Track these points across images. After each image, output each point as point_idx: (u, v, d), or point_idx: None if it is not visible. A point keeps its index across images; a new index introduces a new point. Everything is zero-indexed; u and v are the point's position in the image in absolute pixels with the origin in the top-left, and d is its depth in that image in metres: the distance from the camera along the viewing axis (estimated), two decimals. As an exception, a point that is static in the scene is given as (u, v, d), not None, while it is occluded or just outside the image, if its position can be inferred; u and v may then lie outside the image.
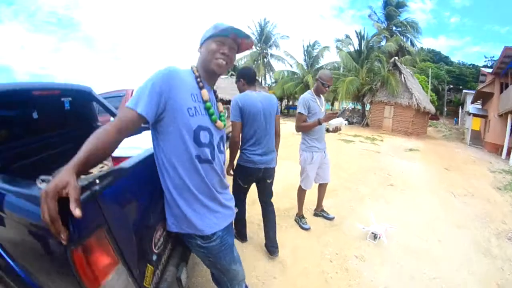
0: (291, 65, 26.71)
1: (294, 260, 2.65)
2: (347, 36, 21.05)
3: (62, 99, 2.57)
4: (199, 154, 1.11)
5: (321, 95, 2.96)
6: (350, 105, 23.91)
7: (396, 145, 11.57)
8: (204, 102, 1.15)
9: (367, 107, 20.34)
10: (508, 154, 11.05)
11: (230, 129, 2.32)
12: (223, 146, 1.28)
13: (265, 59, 28.54)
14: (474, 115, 17.44)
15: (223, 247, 1.23)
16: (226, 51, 1.14)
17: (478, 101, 18.95)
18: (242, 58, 28.98)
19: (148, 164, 1.16)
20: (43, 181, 0.78)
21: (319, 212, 3.56)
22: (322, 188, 3.39)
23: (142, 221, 1.12)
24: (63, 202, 0.68)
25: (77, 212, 0.66)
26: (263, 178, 2.48)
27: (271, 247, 2.62)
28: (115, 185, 0.92)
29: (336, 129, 2.71)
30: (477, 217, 4.31)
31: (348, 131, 15.39)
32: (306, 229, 3.17)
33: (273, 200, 2.78)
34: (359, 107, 22.29)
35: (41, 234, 0.83)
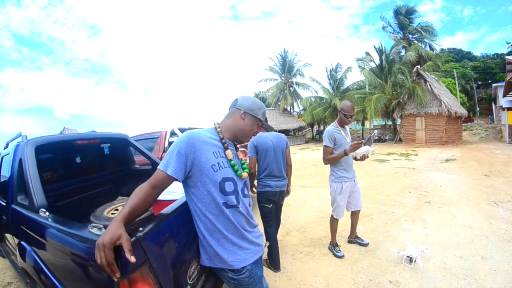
0: (316, 91, 28.03)
1: None
2: (367, 54, 21.92)
3: (102, 145, 3.01)
4: (226, 201, 1.30)
5: (346, 127, 3.16)
6: (376, 132, 23.67)
7: (432, 158, 11.45)
8: (229, 160, 1.36)
9: (398, 121, 20.61)
10: None
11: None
12: (247, 190, 1.49)
13: (291, 88, 29.89)
14: (509, 108, 16.59)
15: (252, 279, 1.37)
16: (256, 131, 1.47)
17: (510, 93, 17.42)
18: (269, 90, 30.70)
19: (184, 209, 1.41)
20: (94, 227, 1.12)
21: (353, 239, 3.62)
22: (354, 215, 3.48)
23: (179, 257, 1.35)
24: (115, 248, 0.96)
25: (132, 259, 0.93)
26: (279, 200, 3.04)
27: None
28: (157, 230, 1.20)
29: (364, 157, 2.85)
30: (525, 226, 4.14)
31: (381, 149, 15.31)
32: (340, 257, 3.25)
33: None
34: (390, 123, 22.45)
35: (90, 267, 1.14)
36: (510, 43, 34.39)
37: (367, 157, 2.94)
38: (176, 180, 1.22)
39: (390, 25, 26.24)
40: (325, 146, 3.02)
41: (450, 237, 3.92)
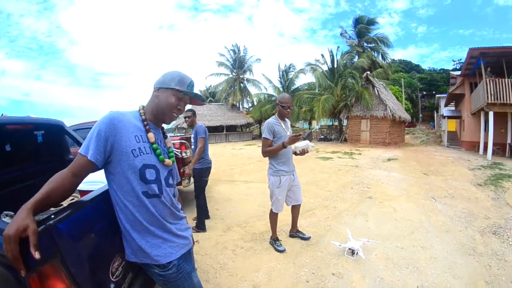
0: (266, 89, 30.00)
1: (269, 283, 2.78)
2: (322, 56, 24.13)
3: (35, 132, 2.96)
4: (147, 190, 1.32)
5: (286, 119, 3.37)
6: (315, 127, 26.36)
7: (374, 157, 12.65)
8: (151, 144, 1.36)
9: (344, 122, 23.04)
10: (485, 150, 12.60)
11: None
12: (173, 179, 1.50)
13: (241, 84, 31.79)
14: (449, 117, 20.47)
15: (180, 274, 1.40)
16: (182, 107, 1.42)
17: (451, 104, 21.93)
18: (218, 85, 32.42)
19: (107, 197, 1.38)
20: (6, 215, 1.06)
21: (295, 233, 3.82)
22: (295, 209, 3.67)
23: (98, 251, 1.33)
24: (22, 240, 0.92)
25: (36, 255, 0.90)
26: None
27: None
28: (70, 219, 1.17)
29: (303, 152, 3.01)
30: (460, 218, 4.65)
31: (326, 148, 16.75)
32: (281, 251, 3.39)
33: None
34: (336, 123, 24.95)
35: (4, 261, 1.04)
36: (456, 61, 43.27)
37: (307, 151, 3.14)
38: (96, 165, 1.21)
39: (347, 32, 30.07)
40: (264, 138, 3.17)
41: (391, 229, 4.19)
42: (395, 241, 3.73)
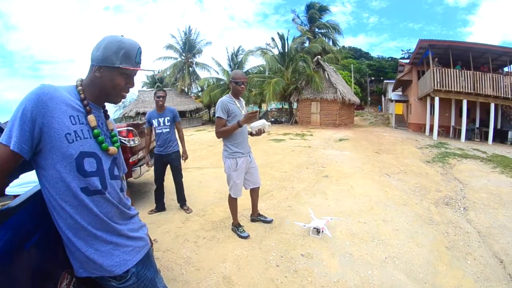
0: (217, 72, 29.75)
1: (238, 273, 2.74)
2: (272, 39, 24.91)
3: None
4: (86, 186, 1.13)
5: (241, 98, 3.34)
6: (273, 106, 27.05)
7: (326, 138, 13.29)
8: (91, 128, 1.18)
9: (294, 105, 24.03)
10: (431, 131, 14.33)
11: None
12: (118, 170, 1.33)
13: (190, 68, 31.54)
14: (396, 101, 22.62)
15: (142, 283, 1.26)
16: (132, 83, 1.26)
17: (399, 89, 24.14)
18: (167, 69, 31.60)
19: (39, 201, 1.16)
20: None
21: (256, 217, 3.84)
22: (254, 192, 3.68)
23: (38, 272, 1.13)
24: None
25: None
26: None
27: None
28: None
29: (260, 132, 2.98)
30: (414, 192, 5.05)
31: (277, 130, 17.23)
32: (245, 237, 3.37)
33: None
34: (287, 106, 25.92)
35: None
36: (404, 51, 47.61)
37: (263, 132, 3.14)
38: (21, 156, 1.01)
39: (299, 18, 31.22)
40: (218, 118, 3.10)
41: (351, 206, 4.37)
42: (357, 217, 3.90)
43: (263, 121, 3.08)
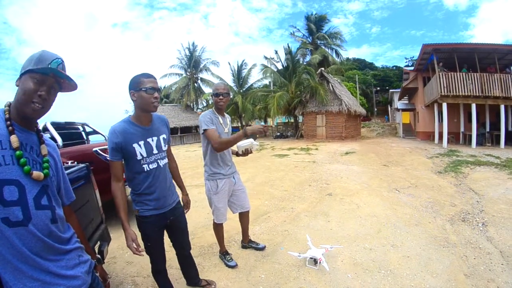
0: None
1: None
2: (276, 52, 25.43)
3: None
4: (7, 216, 1.09)
5: (226, 115, 3.18)
6: (262, 124, 28.01)
7: (332, 151, 13.13)
8: (14, 151, 1.14)
9: (300, 119, 24.44)
10: (440, 139, 14.16)
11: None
12: (50, 199, 1.24)
13: (195, 84, 33.05)
14: (403, 110, 22.80)
15: None
16: (44, 93, 1.17)
17: (405, 97, 24.37)
18: (173, 85, 33.36)
19: None
20: None
21: (247, 243, 3.63)
22: (243, 217, 3.47)
23: None
24: None
25: None
26: None
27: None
28: None
29: (247, 152, 2.84)
30: (427, 208, 4.69)
31: (282, 145, 17.15)
32: (232, 267, 3.19)
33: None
34: (292, 120, 26.40)
35: None
36: (408, 58, 48.99)
37: (251, 152, 2.92)
38: None
39: (300, 31, 32.46)
40: (207, 130, 2.84)
41: (356, 229, 4.03)
42: (362, 242, 3.57)
43: (250, 140, 2.82)
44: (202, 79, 33.37)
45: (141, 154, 2.00)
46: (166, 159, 2.22)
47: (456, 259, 3.05)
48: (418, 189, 5.96)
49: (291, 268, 3.06)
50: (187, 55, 33.36)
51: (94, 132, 6.57)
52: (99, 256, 1.58)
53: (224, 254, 3.33)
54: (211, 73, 32.09)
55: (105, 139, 6.10)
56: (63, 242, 1.26)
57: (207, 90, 32.91)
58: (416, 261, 3.06)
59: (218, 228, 3.25)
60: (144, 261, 3.17)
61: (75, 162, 3.39)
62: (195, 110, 34.34)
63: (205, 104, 35.11)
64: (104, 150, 4.30)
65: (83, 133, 6.49)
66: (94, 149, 4.32)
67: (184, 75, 33.30)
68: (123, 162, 2.04)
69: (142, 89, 1.92)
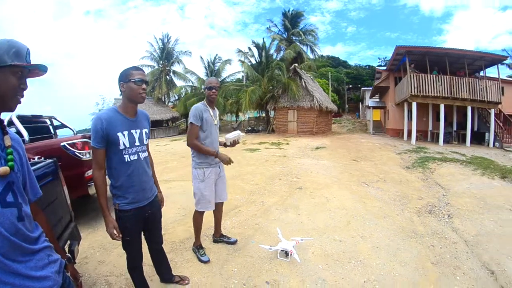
0: (192, 82, 30.87)
1: None
2: (249, 49, 25.86)
3: None
4: None
5: (215, 108, 3.38)
6: (256, 115, 28.26)
7: (302, 146, 13.35)
8: None
9: (271, 114, 24.68)
10: (409, 136, 14.89)
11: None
12: (15, 196, 1.20)
13: (167, 77, 32.74)
14: (374, 107, 23.71)
15: None
16: (25, 85, 1.20)
17: (376, 95, 25.31)
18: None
19: None
20: None
21: (219, 237, 3.68)
22: (218, 209, 3.51)
23: None
24: None
25: None
26: None
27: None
28: None
29: (234, 143, 3.02)
30: (395, 201, 4.89)
31: (253, 139, 17.22)
32: (205, 262, 3.23)
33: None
34: (263, 115, 26.86)
35: None
36: (381, 58, 52.04)
37: (238, 142, 3.27)
38: None
39: (276, 26, 32.58)
40: (192, 124, 3.12)
41: (326, 221, 4.13)
42: (332, 234, 3.65)
43: (238, 132, 3.23)
44: (174, 72, 33.07)
45: (124, 144, 2.04)
46: (147, 153, 2.26)
47: (423, 248, 3.20)
48: (386, 183, 6.18)
49: (263, 261, 3.11)
50: (160, 46, 33.03)
51: (63, 126, 6.30)
52: (69, 255, 1.54)
53: (198, 247, 3.36)
54: (184, 66, 32.02)
55: (74, 133, 5.92)
56: (31, 241, 1.22)
57: (179, 83, 32.64)
58: (385, 251, 3.17)
59: (198, 219, 3.30)
60: (116, 260, 3.17)
61: (42, 158, 3.26)
62: (166, 103, 33.98)
63: (176, 97, 34.83)
64: (72, 145, 4.15)
65: (50, 127, 6.19)
66: (62, 143, 4.14)
67: (156, 67, 32.91)
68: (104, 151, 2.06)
69: (131, 80, 2.03)
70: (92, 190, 4.08)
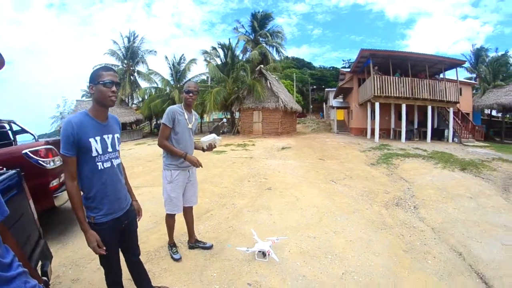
0: (156, 83, 30.33)
1: None
2: (214, 48, 25.98)
3: None
4: None
5: (193, 112, 3.43)
6: (224, 120, 28.61)
7: (268, 147, 13.46)
8: None
9: (237, 115, 25.03)
10: (372, 134, 15.86)
11: None
12: None
13: (131, 77, 32.00)
14: (338, 107, 24.68)
15: None
16: None
17: (340, 96, 26.36)
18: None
19: None
20: None
21: (194, 243, 3.64)
22: (187, 213, 3.51)
23: None
24: None
25: None
26: None
27: None
28: None
29: (211, 147, 2.98)
30: (363, 196, 5.12)
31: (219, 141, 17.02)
32: (176, 260, 3.31)
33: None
34: (229, 116, 26.88)
35: None
36: (345, 60, 54.58)
37: (215, 146, 3.28)
38: None
39: (243, 27, 32.87)
40: (163, 125, 3.15)
41: (298, 219, 4.22)
42: (305, 231, 3.75)
43: (213, 135, 3.22)
44: (139, 72, 32.21)
45: (96, 151, 1.91)
46: (120, 159, 2.17)
47: (394, 238, 3.40)
48: (353, 180, 6.42)
49: (241, 264, 3.13)
50: (126, 45, 31.90)
51: (23, 131, 5.77)
52: (45, 278, 1.45)
53: (171, 245, 3.43)
54: (147, 67, 31.35)
55: (35, 138, 5.47)
56: (4, 268, 1.10)
57: (144, 84, 31.90)
58: (359, 244, 3.32)
59: (169, 221, 3.35)
60: (91, 277, 3.03)
61: (4, 168, 2.95)
62: (130, 105, 32.90)
63: (140, 99, 33.59)
64: (35, 152, 3.85)
65: (9, 132, 5.66)
66: (23, 151, 3.82)
67: (121, 66, 31.78)
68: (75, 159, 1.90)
69: (100, 82, 1.90)
70: (58, 202, 3.86)
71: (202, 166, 3.16)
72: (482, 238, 3.46)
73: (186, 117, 3.23)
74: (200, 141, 3.22)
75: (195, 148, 3.37)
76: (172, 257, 3.36)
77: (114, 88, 1.94)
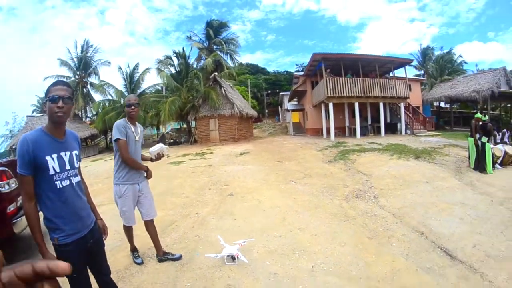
0: (110, 95, 28.85)
1: None
2: (168, 57, 25.74)
3: None
4: None
5: (138, 124, 3.47)
6: (169, 129, 27.30)
7: (227, 154, 13.54)
8: None
9: (193, 124, 24.85)
10: (327, 134, 16.45)
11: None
12: None
13: (84, 89, 30.44)
14: (293, 110, 25.51)
15: None
16: None
17: (294, 99, 27.32)
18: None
19: None
20: None
21: (162, 256, 3.62)
22: (148, 226, 3.52)
23: None
24: None
25: None
26: None
27: None
28: None
29: (159, 156, 2.95)
30: (323, 193, 5.29)
31: (177, 151, 16.92)
32: (138, 264, 3.46)
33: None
34: (185, 126, 26.87)
35: None
36: (298, 64, 56.26)
37: (163, 155, 3.40)
38: None
39: (197, 35, 32.62)
40: (118, 140, 3.16)
41: (262, 221, 4.28)
42: (271, 232, 3.81)
43: (160, 145, 3.32)
44: (92, 84, 30.89)
45: (54, 169, 1.84)
46: (79, 177, 2.11)
47: (357, 228, 3.55)
48: (312, 178, 6.62)
49: (213, 270, 3.17)
50: (78, 55, 30.34)
51: None
52: None
53: (132, 251, 3.63)
54: (98, 78, 30.36)
55: None
56: None
57: (97, 97, 30.51)
58: (324, 237, 3.42)
59: (127, 231, 3.53)
60: None
61: None
62: (84, 119, 31.48)
63: (94, 113, 32.01)
64: None
65: None
66: None
67: (73, 78, 30.16)
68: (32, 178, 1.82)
69: (48, 99, 1.86)
70: (17, 229, 3.64)
71: (150, 176, 3.34)
72: (440, 216, 3.78)
73: (133, 130, 3.31)
74: (149, 152, 3.34)
75: (143, 160, 3.44)
76: (134, 262, 3.51)
77: (60, 103, 1.85)
